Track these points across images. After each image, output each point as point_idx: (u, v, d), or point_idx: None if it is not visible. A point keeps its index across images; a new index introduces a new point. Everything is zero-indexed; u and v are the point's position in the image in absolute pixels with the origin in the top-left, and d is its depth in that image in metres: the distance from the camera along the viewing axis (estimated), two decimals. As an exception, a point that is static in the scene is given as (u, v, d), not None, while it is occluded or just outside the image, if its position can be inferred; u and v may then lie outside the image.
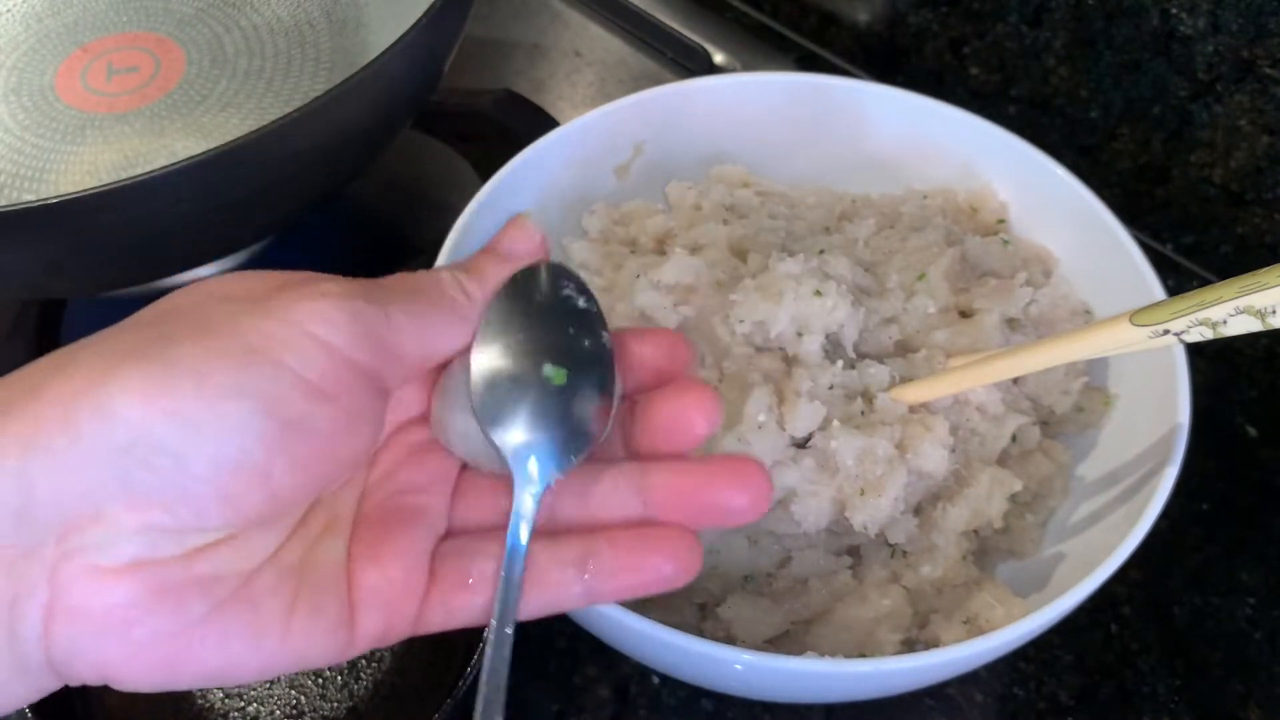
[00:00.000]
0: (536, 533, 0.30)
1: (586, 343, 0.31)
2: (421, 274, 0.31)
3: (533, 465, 0.30)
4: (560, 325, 0.31)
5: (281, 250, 0.58)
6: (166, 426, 0.25)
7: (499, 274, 0.32)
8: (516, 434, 0.30)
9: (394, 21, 0.63)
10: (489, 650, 0.29)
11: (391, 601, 0.29)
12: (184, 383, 0.25)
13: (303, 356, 0.26)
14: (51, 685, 0.26)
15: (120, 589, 0.25)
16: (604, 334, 0.31)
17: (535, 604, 0.30)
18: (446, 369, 0.32)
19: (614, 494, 0.31)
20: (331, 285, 0.28)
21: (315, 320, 0.27)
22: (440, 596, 0.30)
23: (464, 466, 0.32)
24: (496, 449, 0.30)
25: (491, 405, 0.30)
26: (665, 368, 0.33)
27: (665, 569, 0.30)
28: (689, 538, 0.30)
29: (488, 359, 0.31)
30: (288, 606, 0.28)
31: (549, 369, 0.30)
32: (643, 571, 0.30)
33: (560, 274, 0.33)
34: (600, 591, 0.30)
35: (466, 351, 0.31)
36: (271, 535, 0.28)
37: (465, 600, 0.30)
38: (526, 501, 0.30)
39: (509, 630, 0.29)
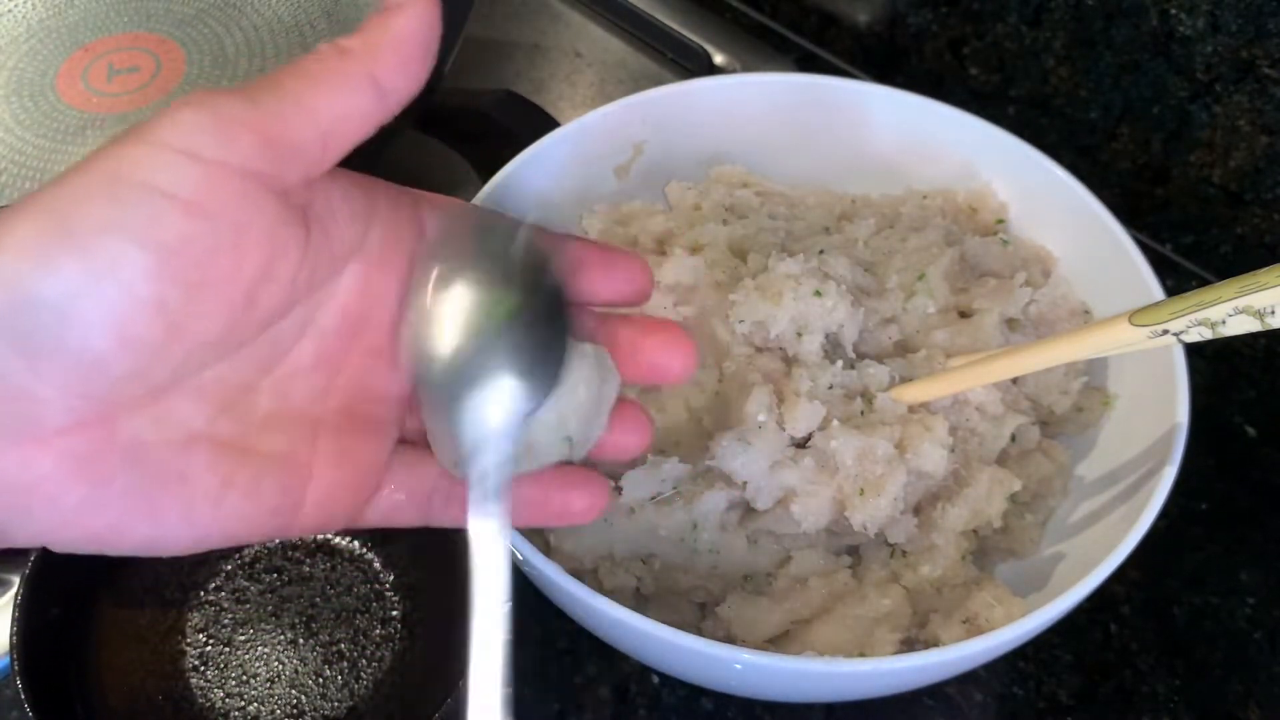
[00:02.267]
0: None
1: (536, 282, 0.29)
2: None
3: (487, 488, 0.29)
4: (499, 270, 0.29)
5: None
6: (41, 278, 0.23)
7: (383, 23, 0.29)
8: (467, 459, 0.29)
9: (394, 22, 0.63)
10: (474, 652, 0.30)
11: (338, 503, 0.30)
12: (51, 227, 0.24)
13: (170, 173, 0.24)
14: None
15: (46, 461, 0.25)
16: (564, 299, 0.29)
17: (447, 516, 0.32)
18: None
19: None
20: (200, 93, 0.26)
21: (178, 132, 0.25)
22: (381, 500, 0.31)
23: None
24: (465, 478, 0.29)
25: (443, 433, 0.30)
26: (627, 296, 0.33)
27: (577, 505, 0.32)
28: (599, 480, 0.32)
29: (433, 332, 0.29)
30: (223, 483, 0.27)
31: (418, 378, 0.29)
32: (552, 506, 0.32)
33: (489, 224, 0.31)
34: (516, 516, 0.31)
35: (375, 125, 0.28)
36: (202, 408, 0.27)
37: (402, 508, 0.32)
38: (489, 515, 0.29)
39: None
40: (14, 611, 0.43)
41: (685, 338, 0.33)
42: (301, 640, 0.47)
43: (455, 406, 0.28)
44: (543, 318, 0.28)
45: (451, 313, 0.28)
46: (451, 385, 0.28)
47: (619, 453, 0.34)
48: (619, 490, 0.42)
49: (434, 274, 0.29)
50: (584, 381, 0.30)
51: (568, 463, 0.32)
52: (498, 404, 0.28)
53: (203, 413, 0.28)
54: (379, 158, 0.60)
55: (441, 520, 0.32)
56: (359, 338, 0.30)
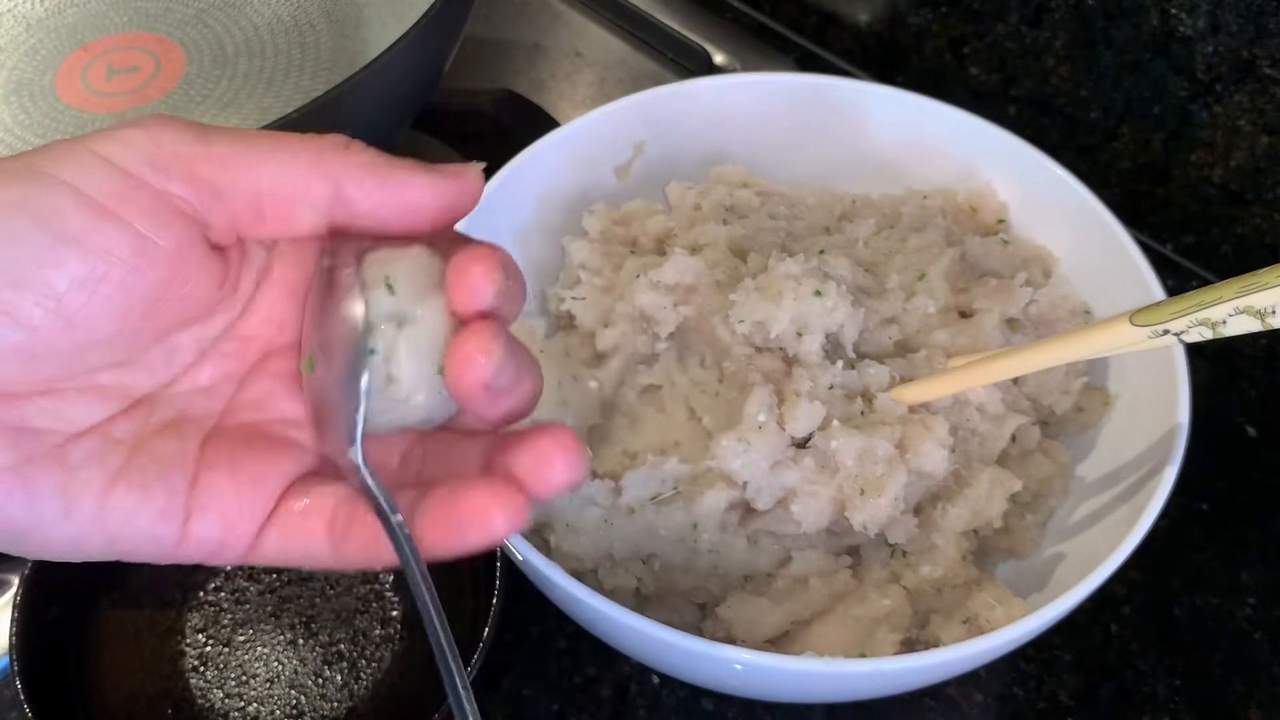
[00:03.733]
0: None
1: (334, 308, 0.28)
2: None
3: (346, 453, 0.28)
4: (318, 304, 0.29)
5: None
6: None
7: (402, 164, 0.28)
8: (330, 436, 0.29)
9: (394, 21, 0.63)
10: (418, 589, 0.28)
11: (231, 517, 0.28)
12: None
13: (84, 173, 0.25)
14: None
15: None
16: (357, 305, 0.28)
17: (355, 556, 0.29)
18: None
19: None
20: (160, 117, 0.27)
21: (111, 144, 0.26)
22: (280, 530, 0.29)
23: None
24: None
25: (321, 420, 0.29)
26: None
27: (496, 522, 0.27)
28: (519, 496, 0.28)
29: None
30: (108, 479, 0.27)
31: (301, 362, 0.29)
32: (466, 530, 0.28)
33: (326, 253, 0.30)
34: (429, 545, 0.28)
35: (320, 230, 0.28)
36: (96, 404, 0.28)
37: (301, 540, 0.29)
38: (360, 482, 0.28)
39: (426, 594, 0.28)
40: (13, 611, 0.43)
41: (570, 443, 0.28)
42: (301, 640, 0.47)
43: (314, 395, 0.29)
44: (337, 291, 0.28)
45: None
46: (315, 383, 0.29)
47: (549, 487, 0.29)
48: (619, 490, 0.42)
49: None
50: (408, 312, 0.28)
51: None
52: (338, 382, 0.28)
53: (98, 412, 0.28)
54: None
55: (349, 553, 0.29)
56: (265, 361, 0.30)
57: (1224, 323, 0.35)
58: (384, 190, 0.28)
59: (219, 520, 0.28)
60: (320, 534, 0.29)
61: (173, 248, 0.26)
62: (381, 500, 0.28)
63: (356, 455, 0.28)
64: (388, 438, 0.30)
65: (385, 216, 0.28)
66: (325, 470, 0.30)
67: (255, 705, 0.45)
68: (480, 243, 0.29)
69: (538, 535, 0.42)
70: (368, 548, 0.29)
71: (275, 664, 0.46)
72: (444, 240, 0.29)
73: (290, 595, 0.48)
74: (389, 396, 0.28)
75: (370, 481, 0.28)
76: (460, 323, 0.28)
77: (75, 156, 0.26)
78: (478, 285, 0.27)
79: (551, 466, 0.28)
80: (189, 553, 0.28)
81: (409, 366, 0.27)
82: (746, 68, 0.74)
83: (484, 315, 0.27)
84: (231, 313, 0.29)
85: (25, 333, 0.25)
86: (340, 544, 0.29)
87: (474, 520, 0.27)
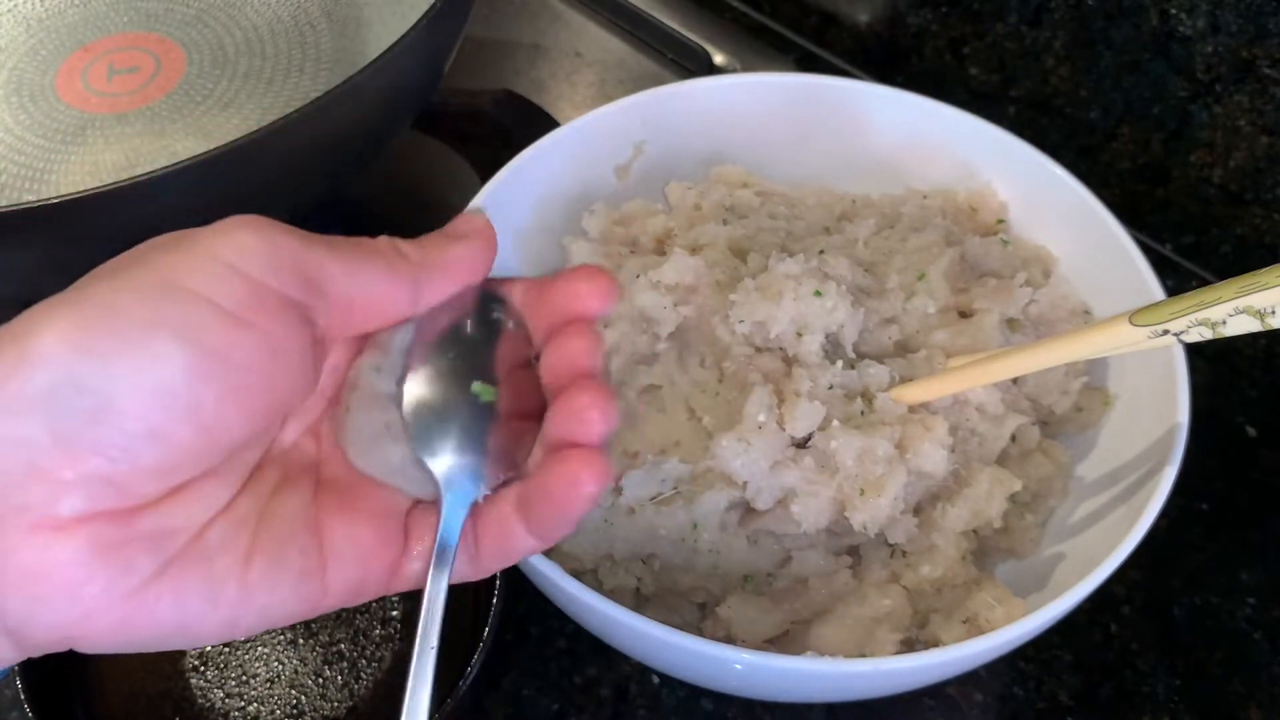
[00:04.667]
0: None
1: (514, 361, 0.31)
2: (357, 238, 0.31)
3: (459, 487, 0.30)
4: (488, 345, 0.31)
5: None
6: (85, 364, 0.24)
7: (441, 246, 0.31)
8: (446, 458, 0.30)
9: (394, 21, 0.63)
10: (411, 676, 0.30)
11: (364, 557, 0.29)
12: (98, 319, 0.25)
13: (217, 284, 0.26)
14: (13, 656, 0.26)
15: (67, 547, 0.25)
16: (531, 356, 0.32)
17: (492, 560, 0.31)
18: (350, 391, 0.31)
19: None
20: (256, 218, 0.28)
21: (230, 249, 0.27)
22: (415, 557, 0.30)
23: None
24: (429, 474, 0.30)
25: (422, 430, 0.30)
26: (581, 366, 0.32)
27: (589, 489, 0.29)
28: (597, 455, 0.30)
29: (417, 385, 0.31)
30: (244, 558, 0.27)
31: (477, 386, 0.31)
32: (573, 500, 0.29)
33: (490, 297, 0.32)
34: (545, 532, 0.30)
35: (379, 366, 0.31)
36: (220, 488, 0.28)
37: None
38: (454, 526, 0.30)
39: (432, 647, 0.30)
40: (14, 611, 0.43)
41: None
42: (301, 640, 0.47)
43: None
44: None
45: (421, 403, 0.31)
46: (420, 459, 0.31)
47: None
48: (619, 490, 0.42)
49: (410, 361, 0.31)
50: None
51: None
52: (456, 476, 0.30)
53: (222, 496, 0.28)
54: (379, 158, 0.60)
55: (486, 564, 0.31)
56: (331, 409, 0.32)
57: (1224, 323, 0.35)
58: (446, 276, 0.31)
59: (355, 562, 0.29)
60: (460, 555, 0.30)
61: (299, 351, 0.28)
62: (451, 545, 0.30)
63: (482, 490, 0.30)
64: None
65: (445, 297, 0.31)
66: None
67: (255, 705, 0.45)
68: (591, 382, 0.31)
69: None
70: (500, 551, 0.31)
71: (275, 664, 0.46)
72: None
73: (290, 595, 0.48)
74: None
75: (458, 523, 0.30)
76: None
77: (200, 264, 0.26)
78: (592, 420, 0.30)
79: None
80: (335, 601, 0.29)
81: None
82: (746, 68, 0.74)
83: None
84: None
85: (169, 449, 0.26)
86: (475, 558, 0.31)
87: (570, 490, 0.29)
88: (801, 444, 0.43)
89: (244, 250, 0.27)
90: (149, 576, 0.26)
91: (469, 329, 0.31)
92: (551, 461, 0.30)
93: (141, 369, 0.25)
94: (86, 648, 0.26)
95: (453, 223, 0.33)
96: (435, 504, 0.31)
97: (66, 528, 0.25)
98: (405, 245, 0.31)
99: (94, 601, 0.25)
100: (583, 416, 0.29)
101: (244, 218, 0.28)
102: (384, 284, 0.30)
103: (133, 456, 0.25)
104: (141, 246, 0.27)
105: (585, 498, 0.29)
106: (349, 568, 0.29)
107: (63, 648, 0.26)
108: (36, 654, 0.26)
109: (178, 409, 0.25)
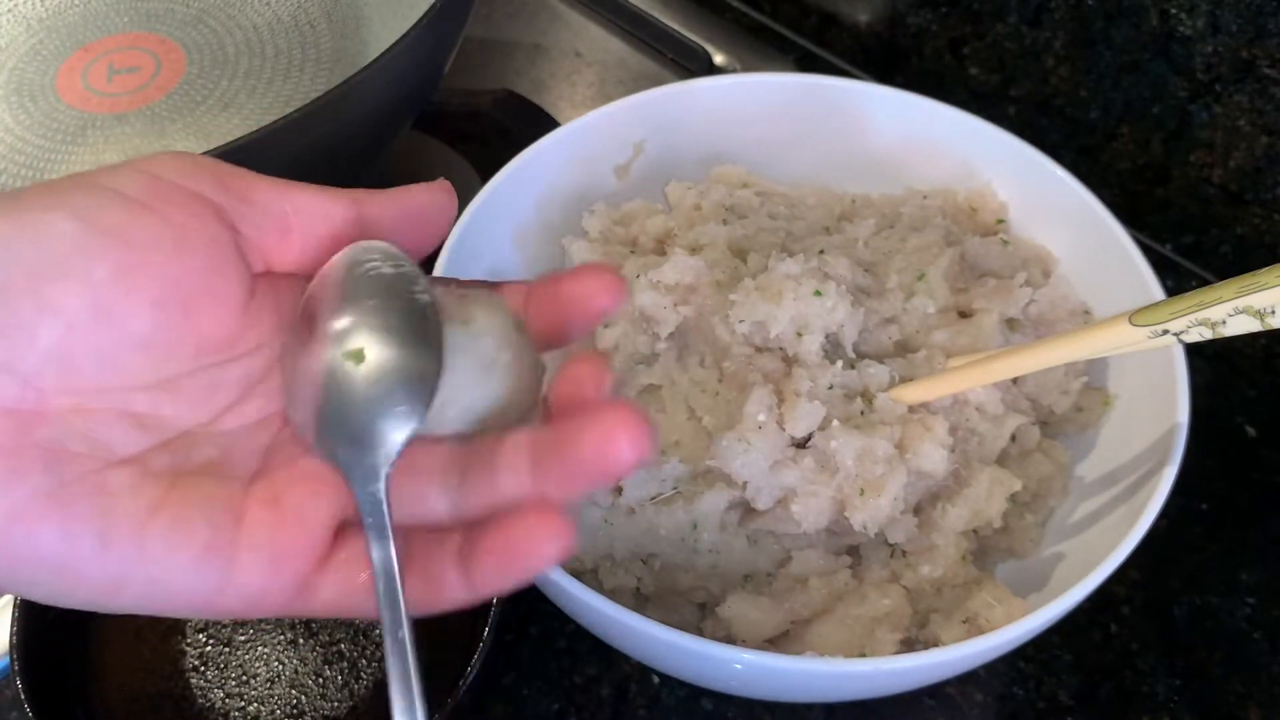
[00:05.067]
0: (421, 529, 0.28)
1: (396, 310, 0.27)
2: None
3: (359, 461, 0.27)
4: (365, 301, 0.27)
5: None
6: None
7: (391, 189, 0.30)
8: (330, 437, 0.27)
9: (394, 22, 0.63)
10: (389, 656, 0.27)
11: (277, 558, 0.27)
12: (5, 205, 0.25)
13: (124, 180, 0.27)
14: None
15: None
16: (421, 295, 0.27)
17: (420, 605, 0.28)
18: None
19: (511, 470, 0.28)
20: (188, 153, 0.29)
21: (150, 162, 0.27)
22: (334, 577, 0.28)
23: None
24: (326, 458, 0.27)
25: (301, 410, 0.28)
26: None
27: (545, 551, 0.26)
28: (558, 520, 0.27)
29: (291, 362, 0.28)
30: (148, 509, 0.26)
31: (343, 352, 0.27)
32: (521, 561, 0.27)
33: (364, 251, 0.29)
34: (482, 586, 0.28)
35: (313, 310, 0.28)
36: (131, 435, 0.27)
37: (355, 591, 0.28)
38: (368, 504, 0.27)
39: (404, 634, 0.27)
40: (14, 611, 0.43)
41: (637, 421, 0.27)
42: (301, 640, 0.47)
43: (335, 447, 0.27)
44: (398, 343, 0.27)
45: (312, 361, 0.28)
46: (328, 430, 0.27)
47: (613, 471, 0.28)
48: (619, 490, 0.42)
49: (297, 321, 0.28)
50: (461, 366, 0.28)
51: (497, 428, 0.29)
52: (369, 441, 0.27)
53: (136, 442, 0.27)
54: (379, 158, 0.60)
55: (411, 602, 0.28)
56: None
57: (1223, 323, 0.35)
58: (395, 204, 0.30)
59: (266, 560, 0.27)
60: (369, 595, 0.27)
61: (207, 239, 0.27)
62: (388, 522, 0.27)
63: (385, 468, 0.27)
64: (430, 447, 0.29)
65: (401, 229, 0.30)
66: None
67: (256, 705, 0.45)
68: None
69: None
70: (429, 592, 0.28)
71: (276, 663, 0.46)
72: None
73: (290, 595, 0.48)
74: (445, 400, 0.27)
75: (385, 499, 0.27)
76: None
77: (116, 169, 0.27)
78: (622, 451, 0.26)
79: (616, 443, 0.26)
80: (230, 601, 0.27)
81: (500, 379, 0.27)
82: (746, 68, 0.74)
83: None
84: (272, 349, 0.29)
85: (65, 327, 0.25)
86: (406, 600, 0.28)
87: (524, 548, 0.27)
88: (801, 444, 0.43)
89: (162, 160, 0.27)
90: (38, 491, 0.25)
91: (342, 289, 0.28)
92: (510, 518, 0.27)
93: (37, 243, 0.25)
94: None
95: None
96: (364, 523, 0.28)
97: None
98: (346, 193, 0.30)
99: None
100: (610, 436, 0.26)
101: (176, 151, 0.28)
102: (319, 198, 0.29)
103: (29, 335, 0.25)
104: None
105: (541, 558, 0.26)
106: (258, 565, 0.27)
107: None
108: None
109: (71, 284, 0.25)
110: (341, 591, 0.28)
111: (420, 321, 0.27)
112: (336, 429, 0.27)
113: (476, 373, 0.27)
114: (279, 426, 0.29)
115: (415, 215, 0.30)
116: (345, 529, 0.28)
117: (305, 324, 0.28)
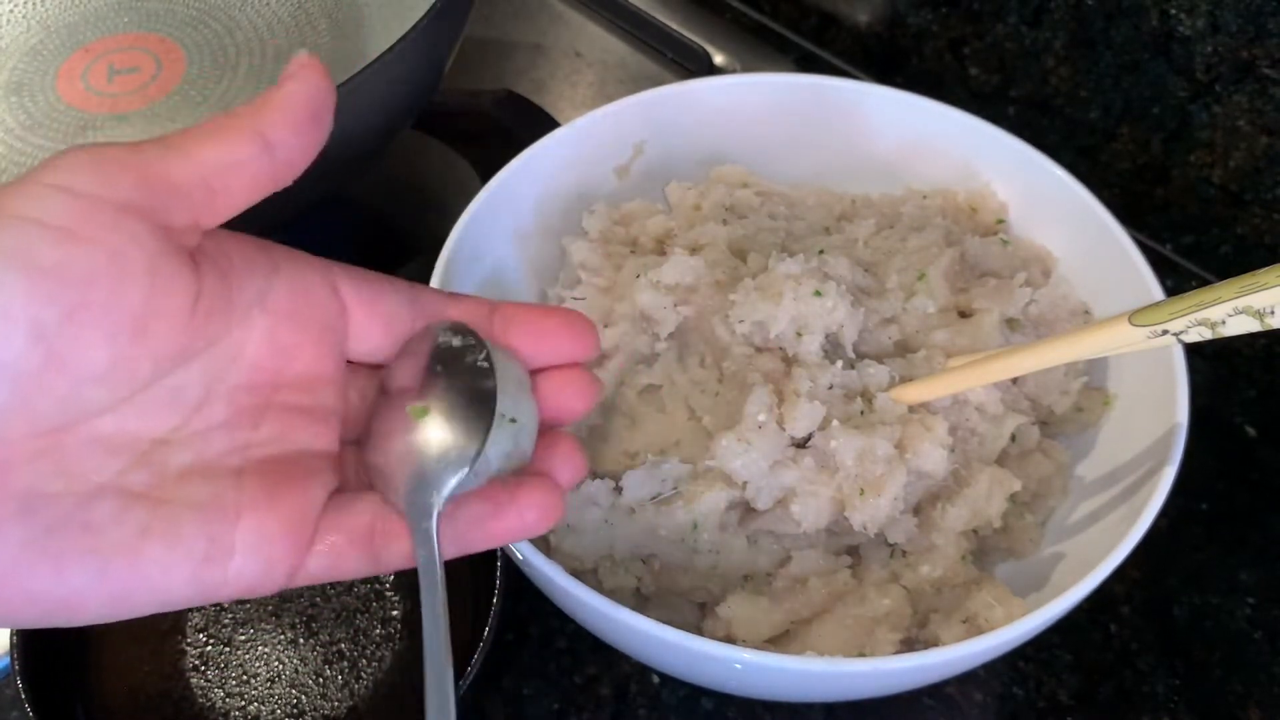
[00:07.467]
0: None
1: (457, 373, 0.32)
2: None
3: (418, 502, 0.30)
4: (430, 368, 0.32)
5: (282, 250, 0.58)
6: None
7: (270, 93, 0.29)
8: (395, 477, 0.31)
9: (394, 22, 0.63)
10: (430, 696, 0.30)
11: (275, 546, 0.28)
12: None
13: (44, 205, 0.25)
14: None
15: None
16: (480, 360, 0.32)
17: (397, 561, 0.31)
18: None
19: None
20: (85, 145, 0.27)
21: (55, 172, 0.26)
22: (324, 552, 0.30)
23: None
24: (390, 498, 0.31)
25: (376, 454, 0.32)
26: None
27: (529, 516, 0.31)
28: (555, 489, 0.32)
29: (374, 416, 0.32)
30: (138, 533, 0.26)
31: (410, 408, 0.31)
32: (509, 520, 0.31)
33: (439, 329, 0.33)
34: (469, 541, 0.31)
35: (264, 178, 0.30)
36: (103, 460, 0.27)
37: (347, 558, 0.30)
38: (420, 538, 0.30)
39: (447, 671, 0.31)
40: (14, 611, 0.43)
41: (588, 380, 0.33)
42: (302, 640, 0.47)
43: (405, 491, 0.31)
44: (463, 403, 0.32)
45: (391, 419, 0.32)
46: (397, 470, 0.31)
47: (562, 413, 0.34)
48: (619, 490, 0.42)
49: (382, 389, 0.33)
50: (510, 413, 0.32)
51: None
52: (433, 481, 0.31)
53: (109, 465, 0.27)
54: (379, 158, 0.60)
55: (389, 562, 0.31)
56: (275, 394, 0.30)
57: (1223, 323, 0.35)
58: (285, 118, 0.29)
59: (261, 554, 0.28)
60: (362, 550, 0.30)
61: (145, 261, 0.26)
62: (437, 554, 0.30)
63: (439, 506, 0.30)
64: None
65: (302, 144, 0.29)
66: (350, 484, 0.31)
67: (256, 705, 0.45)
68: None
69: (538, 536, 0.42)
70: (409, 553, 0.30)
71: (276, 663, 0.46)
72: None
73: (291, 594, 0.48)
74: (497, 455, 0.31)
75: (435, 532, 0.30)
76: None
77: (26, 190, 0.25)
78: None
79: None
80: (231, 592, 0.28)
81: (527, 436, 0.32)
82: (746, 68, 0.74)
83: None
84: (230, 341, 0.29)
85: (19, 380, 0.24)
86: (381, 554, 0.30)
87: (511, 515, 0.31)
88: (801, 444, 0.43)
89: (70, 168, 0.26)
90: (24, 542, 0.25)
91: (420, 362, 0.33)
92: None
93: None
94: None
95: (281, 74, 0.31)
96: (352, 494, 0.31)
97: None
98: (237, 109, 0.29)
99: None
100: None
101: (77, 146, 0.27)
102: (227, 149, 0.28)
103: None
104: None
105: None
106: (255, 565, 0.28)
107: None
108: None
109: (22, 336, 0.24)
110: (329, 565, 0.30)
111: (478, 386, 0.31)
112: (400, 470, 0.31)
113: (512, 426, 0.32)
114: (253, 424, 0.30)
115: (304, 108, 0.29)
116: (331, 502, 0.30)
117: (388, 385, 0.32)
